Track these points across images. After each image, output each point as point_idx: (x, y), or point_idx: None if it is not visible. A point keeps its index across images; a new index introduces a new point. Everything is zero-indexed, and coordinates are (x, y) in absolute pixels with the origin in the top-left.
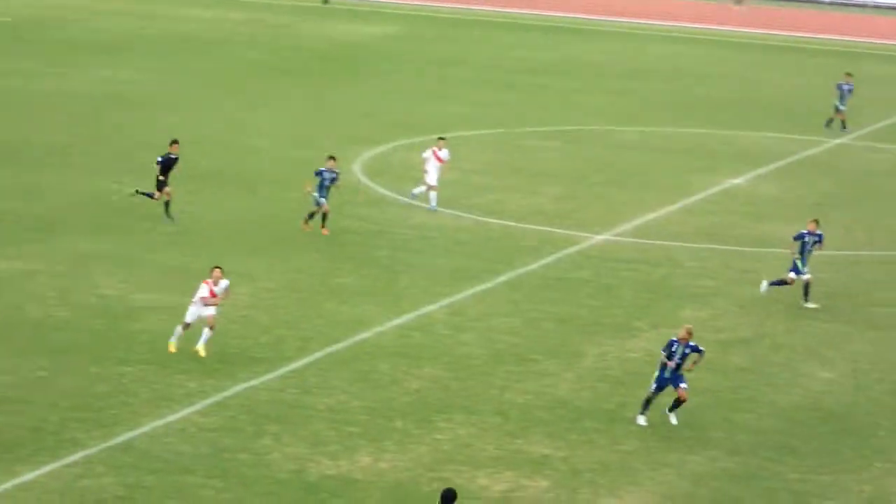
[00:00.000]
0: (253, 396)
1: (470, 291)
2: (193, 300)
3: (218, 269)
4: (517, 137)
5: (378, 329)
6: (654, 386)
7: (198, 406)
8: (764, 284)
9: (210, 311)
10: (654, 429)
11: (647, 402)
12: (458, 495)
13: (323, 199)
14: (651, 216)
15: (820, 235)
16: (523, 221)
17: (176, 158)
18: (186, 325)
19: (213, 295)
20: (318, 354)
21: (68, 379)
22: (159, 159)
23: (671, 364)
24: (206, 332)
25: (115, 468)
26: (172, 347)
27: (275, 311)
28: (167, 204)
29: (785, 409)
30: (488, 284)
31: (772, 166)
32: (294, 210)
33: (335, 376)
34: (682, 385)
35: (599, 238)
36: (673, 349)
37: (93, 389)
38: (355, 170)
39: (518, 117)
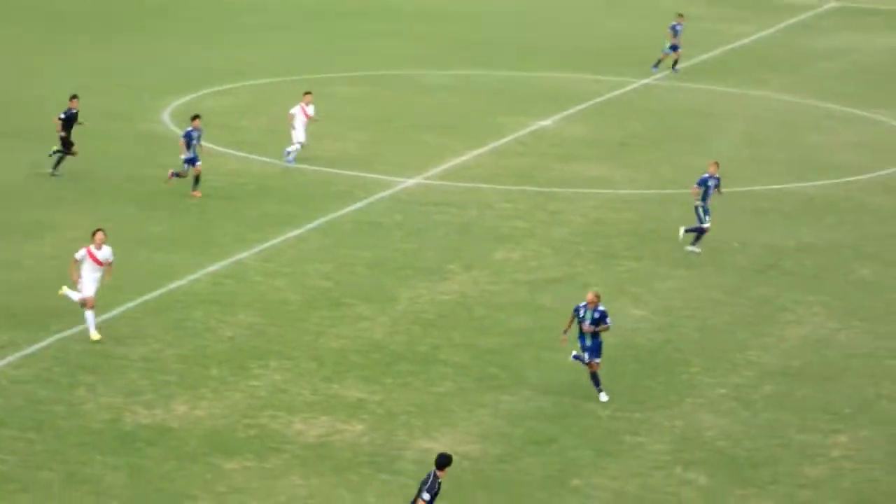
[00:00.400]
0: (66, 347)
1: (282, 238)
2: (76, 272)
3: (101, 232)
4: (322, 84)
5: (191, 277)
6: (582, 355)
7: (10, 359)
8: (681, 231)
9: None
10: (467, 370)
11: (594, 378)
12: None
13: (190, 165)
14: (461, 159)
15: (718, 179)
16: (333, 167)
17: (76, 113)
18: (85, 301)
19: (97, 261)
20: (130, 304)
21: None
22: (62, 115)
23: (588, 329)
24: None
25: None
26: (95, 336)
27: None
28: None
29: None
30: (300, 230)
31: (580, 107)
32: (100, 162)
33: (149, 325)
34: (597, 360)
35: (410, 182)
36: (581, 315)
37: None
38: (164, 119)
39: (322, 63)
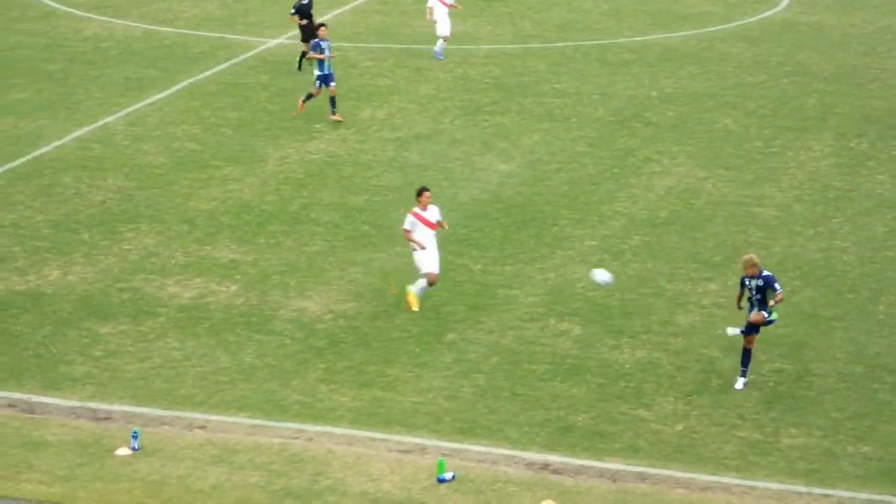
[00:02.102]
0: None
1: (147, 101)
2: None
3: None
4: None
5: (57, 143)
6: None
7: None
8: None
9: None
10: (338, 229)
11: (745, 358)
12: None
13: (323, 83)
14: (322, 18)
15: None
16: (195, 29)
17: None
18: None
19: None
20: None
21: None
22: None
23: (757, 319)
24: None
25: None
26: None
27: None
28: None
29: (465, 203)
30: (165, 93)
31: None
32: None
33: (17, 192)
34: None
35: (273, 42)
36: (748, 284)
37: None
38: None
39: None
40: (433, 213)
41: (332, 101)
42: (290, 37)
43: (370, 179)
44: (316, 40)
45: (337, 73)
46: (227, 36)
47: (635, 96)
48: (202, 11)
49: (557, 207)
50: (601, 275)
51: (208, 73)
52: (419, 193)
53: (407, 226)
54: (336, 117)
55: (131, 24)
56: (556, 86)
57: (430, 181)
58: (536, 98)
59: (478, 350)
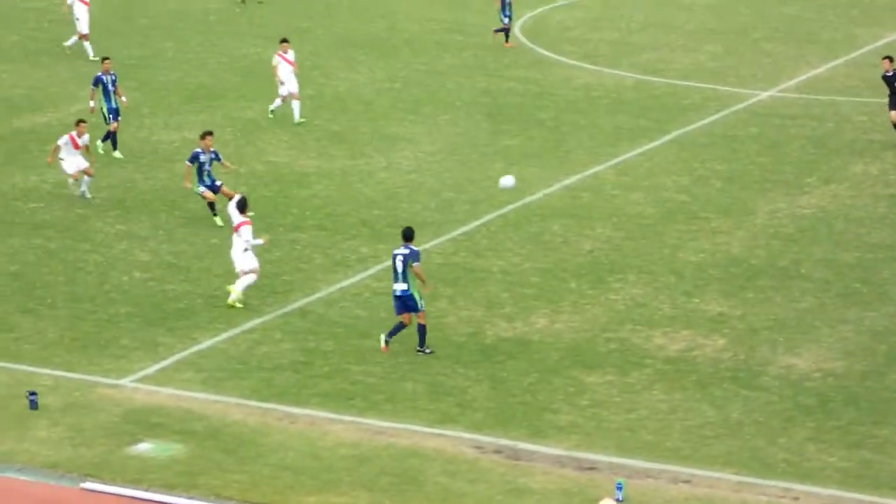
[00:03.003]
0: (427, 260)
1: (637, 151)
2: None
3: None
4: None
5: (546, 190)
6: None
7: (371, 271)
8: None
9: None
10: (829, 285)
11: None
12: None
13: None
14: (816, 71)
15: None
16: (686, 79)
17: None
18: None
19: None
20: (487, 217)
21: None
22: None
23: None
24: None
25: (293, 334)
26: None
27: (440, 175)
28: None
29: None
30: (655, 143)
31: None
32: (452, 77)
33: (506, 238)
34: None
35: (765, 94)
36: None
37: (266, 256)
38: (517, 32)
39: None
40: None
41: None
42: (782, 89)
43: (862, 236)
44: None
45: (829, 127)
46: (717, 87)
47: None
48: (693, 62)
49: None
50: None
51: (698, 124)
52: None
53: None
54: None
55: (622, 73)
56: None
57: None
58: None
59: None
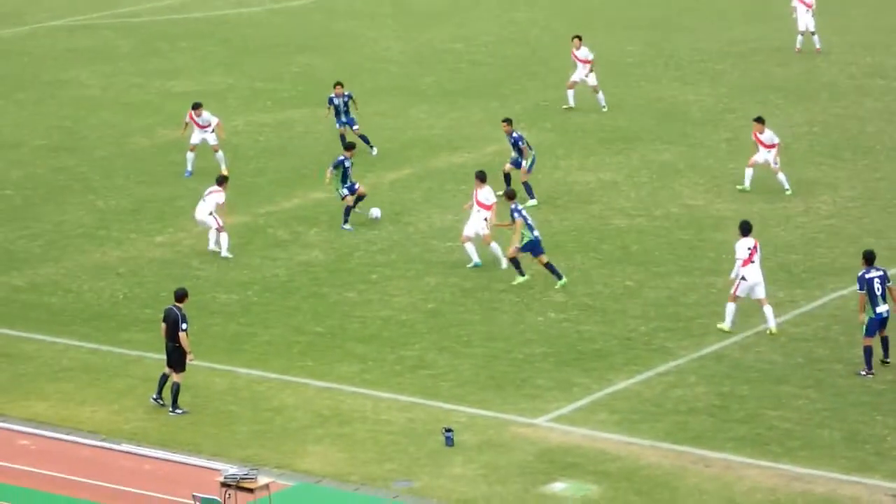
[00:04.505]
0: (843, 306)
1: None
2: None
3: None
4: None
5: None
6: None
7: (788, 316)
8: None
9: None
10: None
11: None
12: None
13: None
14: None
15: None
16: None
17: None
18: None
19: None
20: None
21: (656, 290)
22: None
23: None
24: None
25: (707, 377)
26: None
27: (860, 221)
28: None
29: None
30: None
31: None
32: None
33: None
34: None
35: None
36: None
37: (681, 299)
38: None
39: None
40: None
41: None
42: None
43: None
44: None
45: None
46: None
47: None
48: None
49: None
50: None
51: None
52: None
53: None
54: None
55: None
56: None
57: None
58: None
59: None
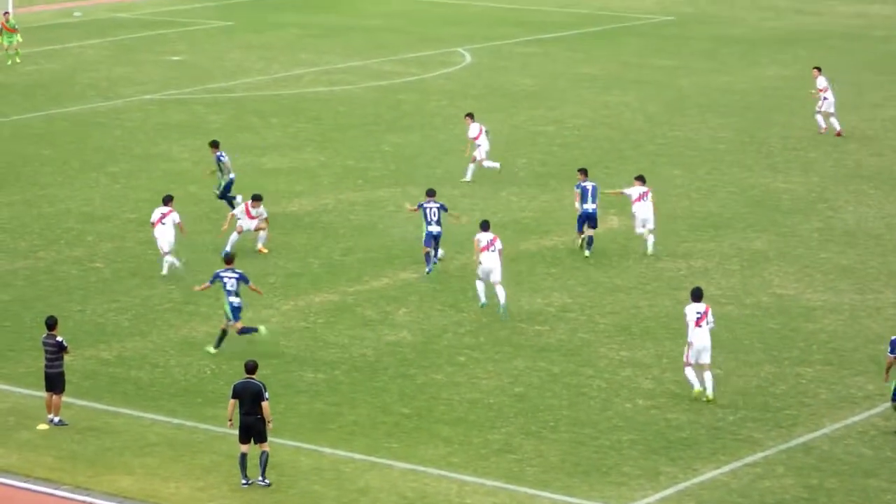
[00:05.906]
0: None
1: None
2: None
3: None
4: None
5: None
6: None
7: (878, 409)
8: None
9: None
10: None
11: None
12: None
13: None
14: None
15: None
16: None
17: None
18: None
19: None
20: None
21: (744, 378)
22: None
23: None
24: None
25: (796, 469)
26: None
27: None
28: None
29: None
30: None
31: None
32: None
33: None
34: None
35: None
36: None
37: (770, 389)
38: None
39: None
40: None
41: None
42: None
43: None
44: None
45: None
46: None
47: None
48: None
49: None
50: None
51: None
52: None
53: None
54: None
55: None
56: None
57: None
58: None
59: None
